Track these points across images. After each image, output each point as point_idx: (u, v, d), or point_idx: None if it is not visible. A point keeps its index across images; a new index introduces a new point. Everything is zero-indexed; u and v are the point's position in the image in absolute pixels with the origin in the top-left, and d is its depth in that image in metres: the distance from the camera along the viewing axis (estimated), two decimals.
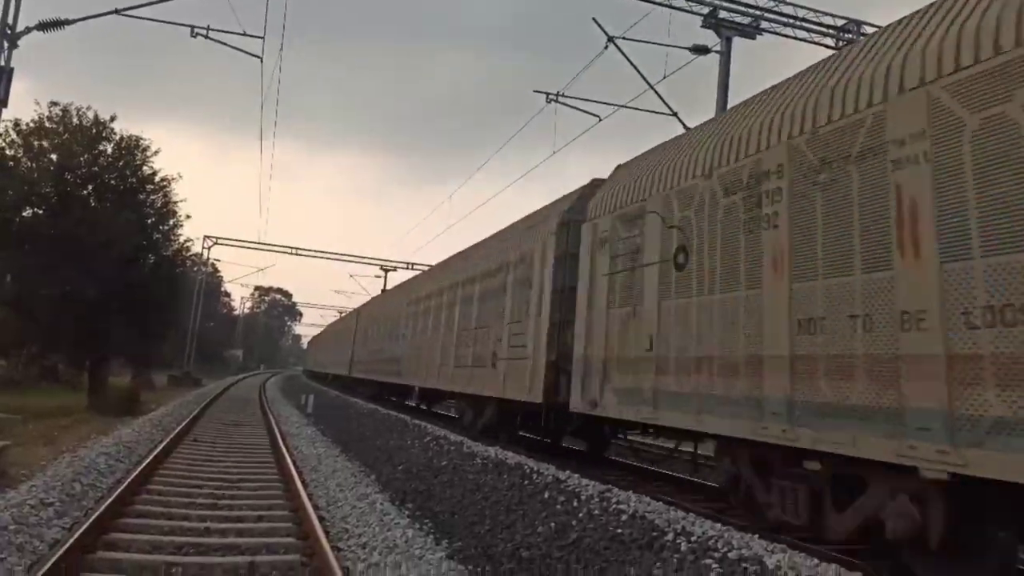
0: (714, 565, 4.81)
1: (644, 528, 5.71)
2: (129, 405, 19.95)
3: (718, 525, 5.83)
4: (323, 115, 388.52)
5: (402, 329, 21.54)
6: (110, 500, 7.32)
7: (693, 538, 5.32)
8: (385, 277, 51.47)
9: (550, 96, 18.61)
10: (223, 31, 17.01)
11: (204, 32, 16.82)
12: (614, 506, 6.41)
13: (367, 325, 29.50)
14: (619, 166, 10.46)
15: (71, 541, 5.77)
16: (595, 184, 10.72)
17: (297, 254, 51.20)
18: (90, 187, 23.36)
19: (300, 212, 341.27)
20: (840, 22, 17.87)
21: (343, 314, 53.36)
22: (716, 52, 17.42)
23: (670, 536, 5.45)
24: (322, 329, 64.27)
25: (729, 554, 4.92)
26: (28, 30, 14.35)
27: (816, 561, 4.77)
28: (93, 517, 6.58)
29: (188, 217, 27.40)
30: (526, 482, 7.90)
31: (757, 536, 5.47)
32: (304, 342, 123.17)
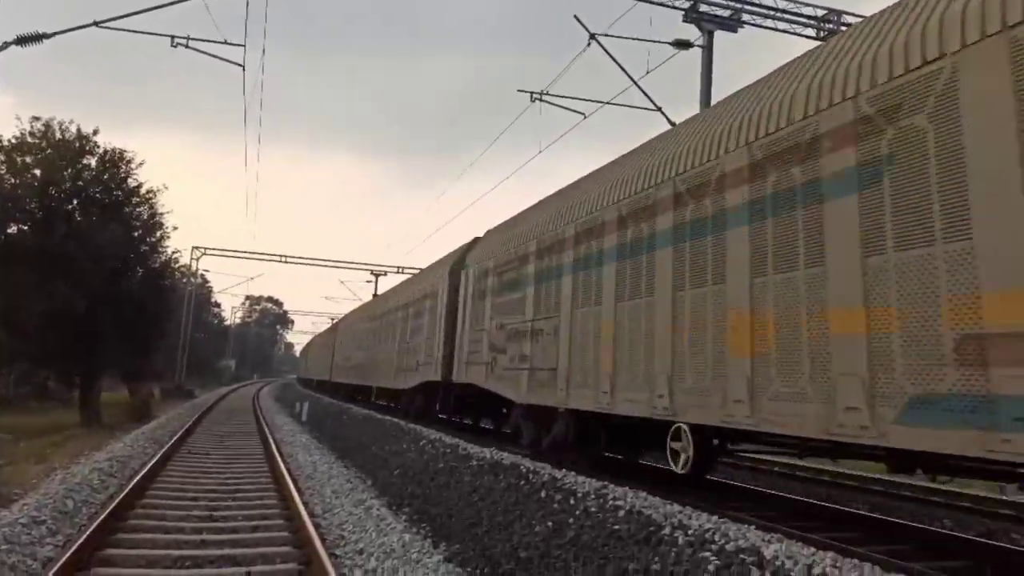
0: (712, 557, 4.81)
1: (641, 523, 5.70)
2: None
3: (715, 518, 5.83)
4: (308, 120, 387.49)
5: (365, 341, 26.95)
6: (104, 515, 7.25)
7: (690, 531, 5.31)
8: (376, 282, 51.21)
9: (534, 95, 18.58)
10: (204, 40, 16.94)
11: (184, 42, 16.74)
12: (611, 502, 6.39)
13: (342, 338, 34.76)
14: (489, 231, 14.85)
15: (64, 558, 5.71)
16: (476, 240, 15.44)
17: (286, 262, 50.97)
18: (75, 201, 23.13)
19: (288, 219, 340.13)
20: (820, 12, 17.96)
21: (334, 321, 53.31)
22: (699, 46, 17.46)
23: (667, 530, 5.44)
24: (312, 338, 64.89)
25: (727, 546, 4.91)
26: (6, 45, 14.26)
27: (813, 549, 4.78)
28: (87, 533, 6.52)
29: (175, 228, 27.29)
30: (522, 482, 7.88)
31: (753, 527, 5.47)
32: (297, 350, 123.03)
